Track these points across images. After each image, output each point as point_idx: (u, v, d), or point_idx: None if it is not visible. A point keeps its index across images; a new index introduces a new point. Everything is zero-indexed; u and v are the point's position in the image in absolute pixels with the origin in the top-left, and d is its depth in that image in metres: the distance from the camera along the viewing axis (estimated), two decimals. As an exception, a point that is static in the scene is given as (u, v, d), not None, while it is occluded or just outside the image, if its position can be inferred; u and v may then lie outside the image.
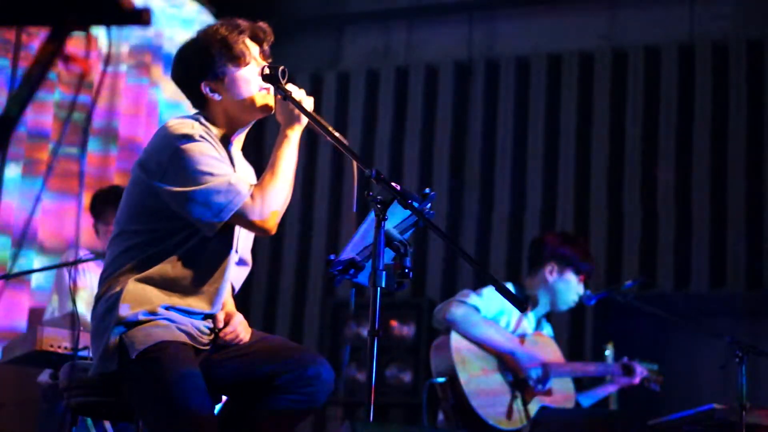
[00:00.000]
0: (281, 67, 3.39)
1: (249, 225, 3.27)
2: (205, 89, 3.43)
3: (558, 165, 7.73)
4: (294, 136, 3.37)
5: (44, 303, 5.89)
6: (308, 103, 3.39)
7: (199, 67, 3.44)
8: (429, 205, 3.21)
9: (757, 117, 7.34)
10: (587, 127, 7.72)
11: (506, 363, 5.29)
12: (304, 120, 3.37)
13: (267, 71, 3.41)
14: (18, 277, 5.99)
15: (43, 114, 6.55)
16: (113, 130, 7.11)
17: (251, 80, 3.43)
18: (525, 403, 5.26)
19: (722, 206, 7.28)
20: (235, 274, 3.54)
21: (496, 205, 7.83)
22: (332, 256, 3.30)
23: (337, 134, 3.29)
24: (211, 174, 3.21)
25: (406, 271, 3.08)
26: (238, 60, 3.43)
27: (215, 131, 3.40)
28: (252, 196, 3.23)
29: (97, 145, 7.03)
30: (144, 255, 3.31)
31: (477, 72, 8.07)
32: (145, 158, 3.35)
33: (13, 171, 6.31)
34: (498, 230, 7.77)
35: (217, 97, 3.43)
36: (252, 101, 3.43)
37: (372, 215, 3.12)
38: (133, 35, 7.40)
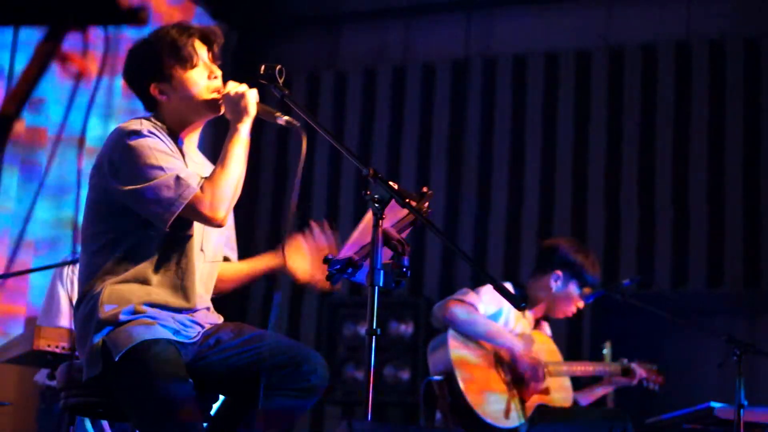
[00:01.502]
0: (278, 66, 3.40)
1: (200, 217, 3.30)
2: (154, 90, 3.46)
3: (555, 163, 7.74)
4: (243, 129, 3.39)
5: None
6: (252, 96, 3.40)
7: (148, 68, 3.47)
8: (426, 203, 3.21)
9: (754, 115, 7.35)
10: (584, 126, 7.73)
11: (504, 358, 5.28)
12: (252, 112, 3.39)
13: (264, 71, 3.42)
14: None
15: (39, 113, 6.55)
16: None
17: (199, 82, 3.46)
18: (522, 402, 5.26)
19: (720, 205, 7.29)
20: (210, 271, 3.54)
21: (493, 203, 7.83)
22: (330, 255, 3.30)
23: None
24: (160, 168, 3.25)
25: (404, 270, 3.08)
26: (186, 62, 3.45)
27: (166, 131, 3.43)
28: (202, 188, 3.26)
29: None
30: (115, 255, 3.32)
31: (474, 71, 8.07)
32: (99, 159, 3.39)
33: (9, 171, 6.31)
34: (495, 228, 7.77)
35: (165, 98, 3.46)
36: (200, 102, 3.46)
37: (369, 214, 3.12)
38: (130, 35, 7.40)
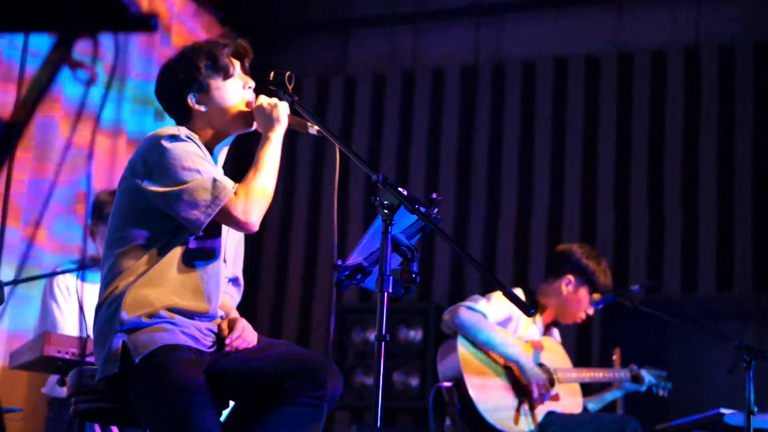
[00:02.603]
0: (288, 73, 3.42)
1: (233, 221, 3.32)
2: (191, 101, 3.48)
3: (564, 169, 7.73)
4: (275, 138, 3.44)
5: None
6: (283, 108, 3.43)
7: (186, 79, 3.50)
8: (435, 209, 3.22)
9: (764, 119, 7.33)
10: (594, 131, 7.72)
11: (512, 370, 5.29)
12: (284, 122, 3.44)
13: (273, 77, 3.44)
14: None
15: (50, 119, 6.56)
16: (121, 131, 7.12)
17: (236, 92, 3.51)
18: (532, 408, 5.26)
19: (729, 209, 7.27)
20: (225, 288, 3.56)
21: (502, 209, 7.83)
22: (339, 261, 3.30)
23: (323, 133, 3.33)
24: (197, 171, 3.28)
25: (413, 276, 3.08)
26: (224, 72, 3.50)
27: (200, 141, 3.45)
28: (236, 192, 3.29)
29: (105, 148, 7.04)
30: (140, 259, 3.33)
31: (483, 76, 8.07)
32: (133, 161, 3.41)
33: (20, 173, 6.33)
34: (505, 234, 7.77)
35: (203, 108, 3.49)
36: (235, 113, 3.50)
37: (379, 220, 3.12)
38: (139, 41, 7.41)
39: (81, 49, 1.54)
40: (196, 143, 3.37)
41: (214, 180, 3.27)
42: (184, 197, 3.25)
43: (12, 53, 6.38)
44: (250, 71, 3.61)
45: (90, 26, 1.51)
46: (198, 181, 3.26)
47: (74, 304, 5.35)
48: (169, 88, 3.57)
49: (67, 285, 5.39)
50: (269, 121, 3.43)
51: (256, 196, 3.32)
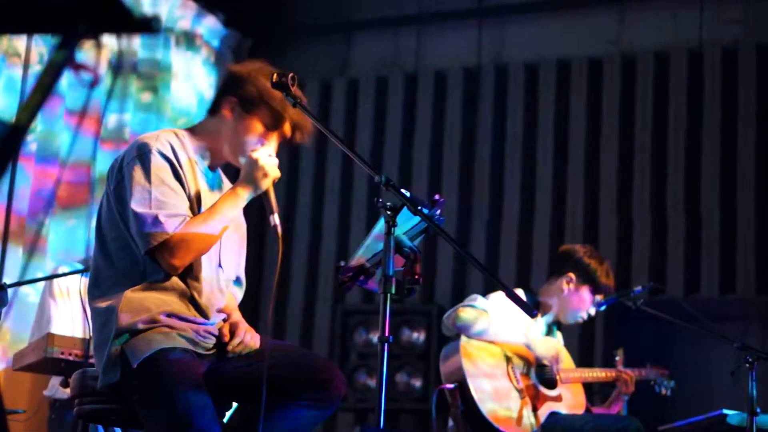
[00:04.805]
0: (291, 74, 3.40)
1: (160, 259, 3.27)
2: (228, 103, 3.48)
3: (567, 170, 7.73)
4: (244, 196, 3.37)
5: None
6: (270, 174, 3.37)
7: (248, 90, 3.48)
8: (438, 211, 3.21)
9: (767, 122, 7.33)
10: (596, 133, 7.72)
11: (520, 355, 5.28)
12: (261, 188, 3.37)
13: (277, 78, 3.42)
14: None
15: (53, 121, 6.58)
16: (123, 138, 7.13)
17: (253, 144, 3.45)
18: (535, 409, 5.26)
19: (732, 211, 7.27)
20: (227, 286, 3.54)
21: (505, 210, 7.83)
22: (342, 263, 3.30)
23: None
24: (150, 200, 3.25)
25: (416, 277, 3.08)
26: (267, 125, 3.46)
27: (194, 145, 3.43)
28: (174, 235, 3.25)
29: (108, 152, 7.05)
30: (129, 261, 3.33)
31: (486, 78, 8.08)
32: (113, 162, 3.42)
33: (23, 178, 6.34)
34: (507, 236, 7.77)
35: (227, 115, 3.47)
36: (238, 151, 3.46)
37: (382, 222, 3.12)
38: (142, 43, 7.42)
39: (84, 51, 1.55)
40: (168, 157, 3.32)
41: (155, 218, 3.23)
42: (133, 219, 3.26)
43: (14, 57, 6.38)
44: None
45: (93, 28, 1.51)
46: (143, 211, 3.24)
47: (72, 305, 5.36)
48: (233, 79, 3.54)
49: (68, 286, 5.40)
50: (250, 176, 3.37)
51: (190, 246, 3.27)
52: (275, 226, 3.32)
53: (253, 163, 3.38)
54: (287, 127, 3.50)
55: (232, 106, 3.48)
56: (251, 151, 3.41)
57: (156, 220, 3.23)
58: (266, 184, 3.37)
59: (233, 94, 3.49)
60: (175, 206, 3.30)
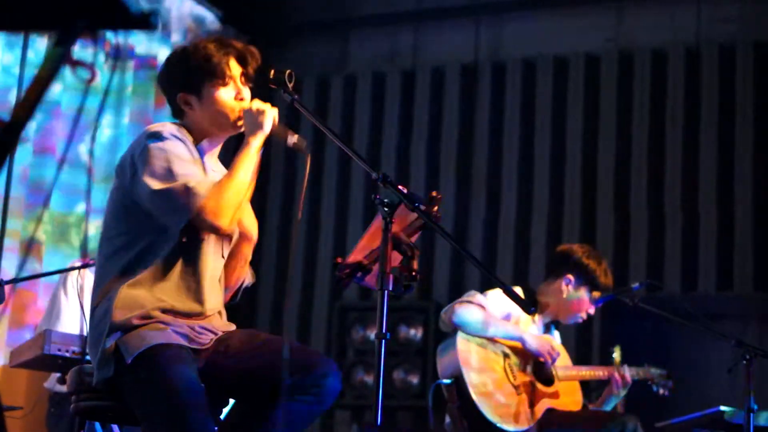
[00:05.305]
0: (288, 71, 3.41)
1: (205, 224, 3.28)
2: (180, 100, 3.49)
3: (565, 167, 7.74)
4: (255, 143, 3.40)
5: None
6: (269, 115, 3.42)
7: (179, 77, 3.50)
8: (435, 208, 3.21)
9: (764, 119, 7.34)
10: (594, 130, 7.72)
11: (518, 351, 5.28)
12: (266, 129, 3.41)
13: (274, 75, 3.43)
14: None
15: (50, 119, 6.57)
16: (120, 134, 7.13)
17: (225, 100, 3.47)
18: (532, 405, 5.26)
19: (729, 208, 7.28)
20: (218, 265, 3.54)
21: (502, 207, 7.83)
22: (339, 259, 3.30)
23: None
24: (173, 174, 3.25)
25: (414, 274, 3.08)
26: (216, 78, 3.47)
27: (190, 139, 3.44)
28: (208, 197, 3.25)
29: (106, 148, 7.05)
30: (130, 258, 3.33)
31: (483, 75, 8.08)
32: (122, 159, 3.41)
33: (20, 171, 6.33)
34: (505, 233, 7.77)
35: (190, 108, 3.49)
36: (221, 118, 3.48)
37: (379, 218, 3.12)
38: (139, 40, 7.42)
39: (81, 47, 1.55)
40: (181, 139, 3.35)
41: (186, 186, 3.24)
42: (160, 199, 3.25)
43: (12, 52, 6.38)
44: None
45: (90, 25, 1.51)
46: (172, 185, 3.24)
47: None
48: (164, 83, 3.58)
49: (81, 284, 5.40)
50: (252, 126, 3.41)
51: (228, 199, 3.28)
52: (294, 144, 3.39)
53: (247, 113, 3.42)
54: (236, 66, 3.50)
55: (185, 99, 3.49)
56: (239, 109, 3.45)
57: (186, 189, 3.23)
58: (268, 122, 3.40)
59: (178, 89, 3.50)
60: (199, 174, 3.33)
